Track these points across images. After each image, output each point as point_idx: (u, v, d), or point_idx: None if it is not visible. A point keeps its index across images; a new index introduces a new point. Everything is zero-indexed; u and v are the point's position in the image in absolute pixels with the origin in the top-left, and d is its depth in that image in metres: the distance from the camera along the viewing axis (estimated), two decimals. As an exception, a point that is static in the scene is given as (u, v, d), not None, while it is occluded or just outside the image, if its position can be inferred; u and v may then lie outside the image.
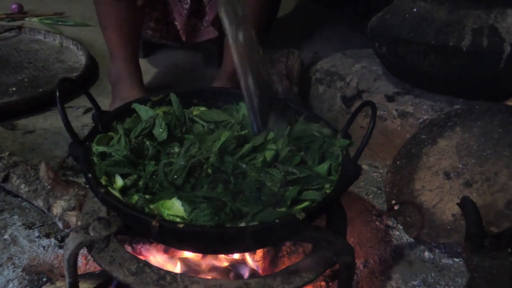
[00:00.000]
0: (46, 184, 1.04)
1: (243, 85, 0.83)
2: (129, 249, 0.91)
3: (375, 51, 1.32)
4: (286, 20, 2.45)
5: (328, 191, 0.76)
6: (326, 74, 1.53)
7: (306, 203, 0.71)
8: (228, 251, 0.73)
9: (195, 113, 0.92)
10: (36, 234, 1.00)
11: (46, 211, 1.04)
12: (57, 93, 0.72)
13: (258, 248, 0.74)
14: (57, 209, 1.01)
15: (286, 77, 1.48)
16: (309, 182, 0.77)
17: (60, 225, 1.01)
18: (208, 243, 0.65)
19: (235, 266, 0.87)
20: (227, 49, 1.62)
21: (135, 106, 0.87)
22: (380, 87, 1.36)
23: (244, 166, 0.76)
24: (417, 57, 1.13)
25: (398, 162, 1.16)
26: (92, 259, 0.94)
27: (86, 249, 0.77)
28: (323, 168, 0.81)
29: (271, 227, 0.65)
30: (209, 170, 0.72)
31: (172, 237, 0.65)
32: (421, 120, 1.21)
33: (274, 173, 0.76)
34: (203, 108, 0.94)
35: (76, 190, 1.04)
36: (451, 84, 1.15)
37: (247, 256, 0.88)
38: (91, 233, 0.73)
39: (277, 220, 0.65)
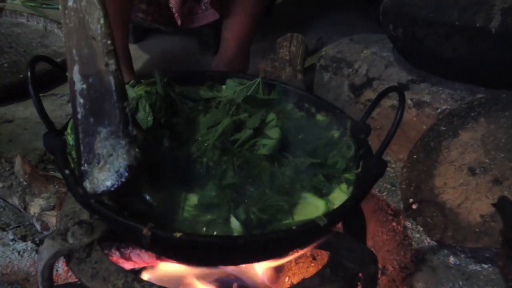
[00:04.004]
0: (22, 180, 0.92)
1: (68, 82, 0.54)
2: (116, 254, 0.80)
3: (388, 35, 1.21)
4: (287, 4, 2.32)
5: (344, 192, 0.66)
6: (332, 61, 1.42)
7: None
8: (234, 263, 0.62)
9: (177, 90, 0.79)
10: (11, 236, 0.89)
11: (22, 210, 0.92)
12: (28, 73, 0.60)
13: (271, 259, 0.63)
14: (34, 209, 0.90)
15: (289, 63, 1.36)
16: (324, 168, 0.66)
17: (37, 226, 0.90)
18: (211, 254, 0.54)
19: (238, 275, 0.76)
20: (225, 33, 1.50)
21: None
22: (392, 75, 1.25)
23: (249, 154, 0.65)
24: (438, 40, 1.02)
25: (414, 156, 1.05)
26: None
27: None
28: (336, 164, 0.70)
29: (287, 235, 0.54)
30: (210, 164, 0.61)
31: (167, 247, 0.54)
32: (439, 110, 1.10)
33: (284, 163, 0.66)
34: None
35: (57, 186, 0.93)
36: (475, 71, 1.05)
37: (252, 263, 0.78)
38: (70, 240, 0.62)
39: (294, 227, 0.54)
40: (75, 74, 0.54)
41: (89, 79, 0.53)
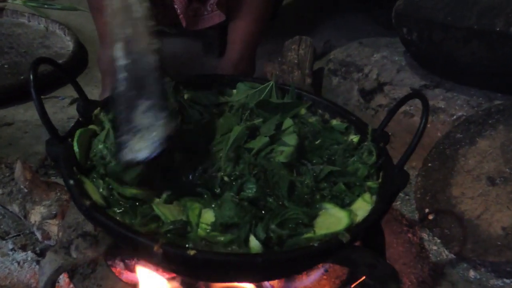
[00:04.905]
0: (22, 186, 0.88)
1: (105, 61, 0.61)
2: (120, 265, 0.76)
3: (401, 39, 1.17)
4: (292, 6, 2.29)
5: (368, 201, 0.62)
6: (341, 65, 1.39)
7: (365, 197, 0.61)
8: (251, 281, 0.58)
9: (185, 96, 0.76)
10: (10, 246, 0.85)
11: (22, 218, 0.88)
12: (31, 76, 0.56)
13: (289, 276, 0.59)
14: (35, 217, 0.86)
15: (298, 66, 1.33)
16: (345, 176, 0.63)
17: (38, 235, 0.86)
18: (227, 273, 0.50)
19: (249, 288, 0.72)
20: (231, 36, 1.47)
21: None
22: (405, 79, 1.21)
23: (265, 162, 0.62)
24: (456, 44, 0.99)
25: (429, 164, 1.02)
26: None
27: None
28: (357, 171, 0.67)
29: (308, 253, 0.50)
30: (226, 178, 0.57)
31: (180, 265, 0.50)
32: (455, 117, 1.07)
33: (302, 171, 0.63)
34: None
35: (59, 194, 0.88)
36: (494, 76, 1.01)
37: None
38: (74, 254, 0.58)
39: (315, 244, 0.50)
40: (118, 50, 0.56)
41: (132, 55, 0.56)
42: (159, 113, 0.55)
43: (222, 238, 0.50)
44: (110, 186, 0.56)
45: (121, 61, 0.56)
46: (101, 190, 0.56)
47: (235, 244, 0.49)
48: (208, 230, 0.51)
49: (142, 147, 0.53)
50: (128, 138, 0.54)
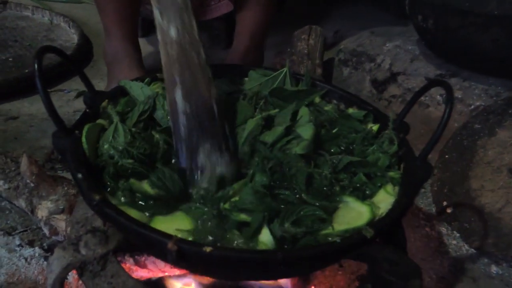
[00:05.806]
0: (28, 181, 0.86)
1: (168, 102, 0.60)
2: (130, 261, 0.74)
3: (416, 26, 1.13)
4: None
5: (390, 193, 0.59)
6: (352, 55, 1.35)
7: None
8: (268, 278, 0.56)
9: None
10: (17, 242, 0.83)
11: (29, 213, 0.86)
12: (36, 65, 0.54)
13: (308, 273, 0.57)
14: (42, 212, 0.83)
15: (308, 57, 1.29)
16: (365, 166, 0.61)
17: (46, 231, 0.83)
18: (244, 270, 0.48)
19: (262, 284, 0.70)
20: (238, 27, 1.43)
21: (124, 83, 0.69)
22: (419, 69, 1.17)
23: (281, 155, 0.59)
24: (475, 31, 0.95)
25: (446, 156, 0.98)
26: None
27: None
28: (377, 161, 0.64)
29: (330, 249, 0.47)
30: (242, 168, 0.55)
31: (196, 263, 0.47)
32: (472, 107, 1.03)
33: (320, 162, 0.61)
34: None
35: (66, 188, 0.86)
36: (515, 64, 0.97)
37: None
38: (83, 251, 0.56)
39: (338, 240, 0.47)
40: (178, 96, 0.58)
41: (192, 101, 0.58)
42: (222, 155, 0.59)
43: (237, 217, 0.48)
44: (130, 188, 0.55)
45: (181, 105, 0.58)
46: (119, 193, 0.54)
47: (247, 232, 0.47)
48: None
49: (210, 185, 0.58)
50: (195, 177, 0.58)
